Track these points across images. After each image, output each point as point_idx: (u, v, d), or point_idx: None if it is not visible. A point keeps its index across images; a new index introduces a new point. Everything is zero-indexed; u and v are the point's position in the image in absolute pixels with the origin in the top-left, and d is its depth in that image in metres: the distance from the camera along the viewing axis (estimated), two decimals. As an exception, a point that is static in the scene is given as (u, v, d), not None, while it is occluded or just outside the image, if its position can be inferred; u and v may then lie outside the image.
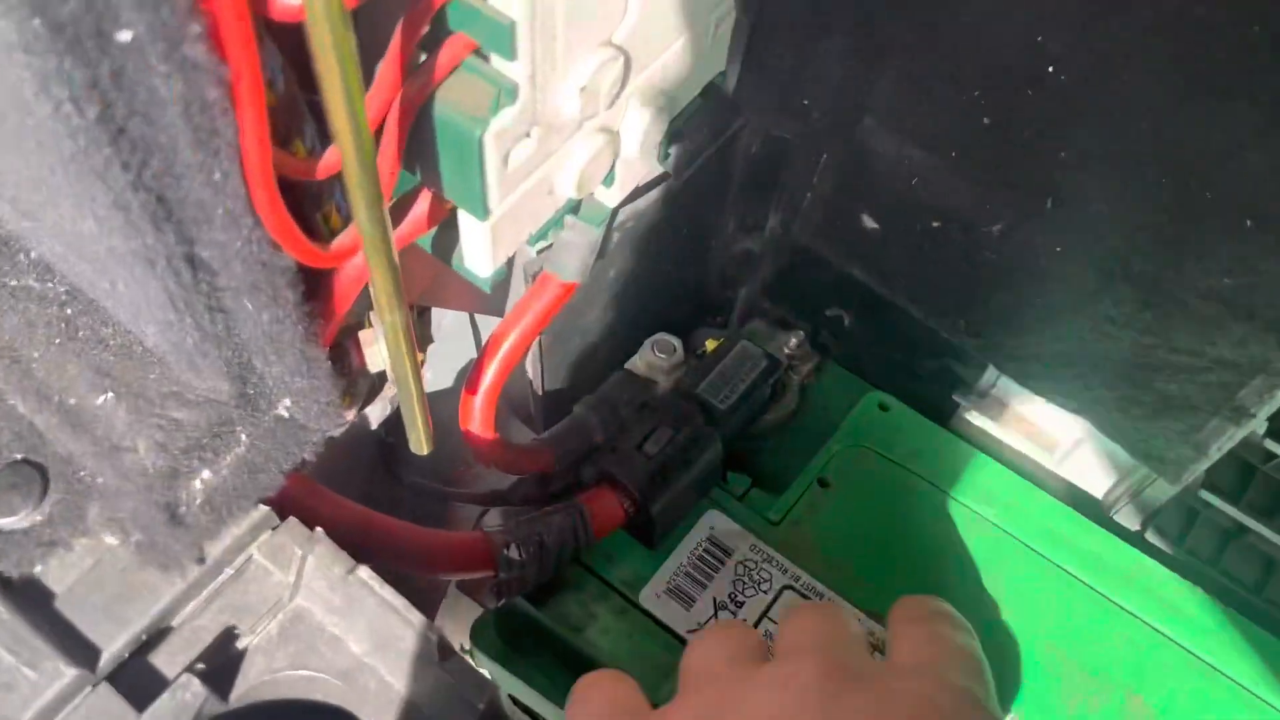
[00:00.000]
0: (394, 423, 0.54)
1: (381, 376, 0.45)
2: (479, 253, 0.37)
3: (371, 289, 0.33)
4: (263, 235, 0.31)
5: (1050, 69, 0.42)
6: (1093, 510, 0.60)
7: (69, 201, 0.31)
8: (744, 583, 0.53)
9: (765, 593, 0.52)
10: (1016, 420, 0.62)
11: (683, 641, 0.50)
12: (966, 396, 0.62)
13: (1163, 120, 0.41)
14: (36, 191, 0.33)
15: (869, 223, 0.52)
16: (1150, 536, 0.60)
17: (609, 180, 0.41)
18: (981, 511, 0.58)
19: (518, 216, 0.37)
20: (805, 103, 0.50)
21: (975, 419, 0.63)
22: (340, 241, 0.34)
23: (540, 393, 0.55)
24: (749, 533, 0.54)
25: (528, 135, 0.34)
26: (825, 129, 0.51)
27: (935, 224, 0.50)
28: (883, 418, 0.61)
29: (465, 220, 0.36)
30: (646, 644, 0.50)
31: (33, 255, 0.40)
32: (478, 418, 0.48)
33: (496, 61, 0.31)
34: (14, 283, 0.40)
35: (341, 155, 0.29)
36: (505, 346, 0.47)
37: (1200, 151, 0.41)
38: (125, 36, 0.25)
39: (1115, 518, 0.60)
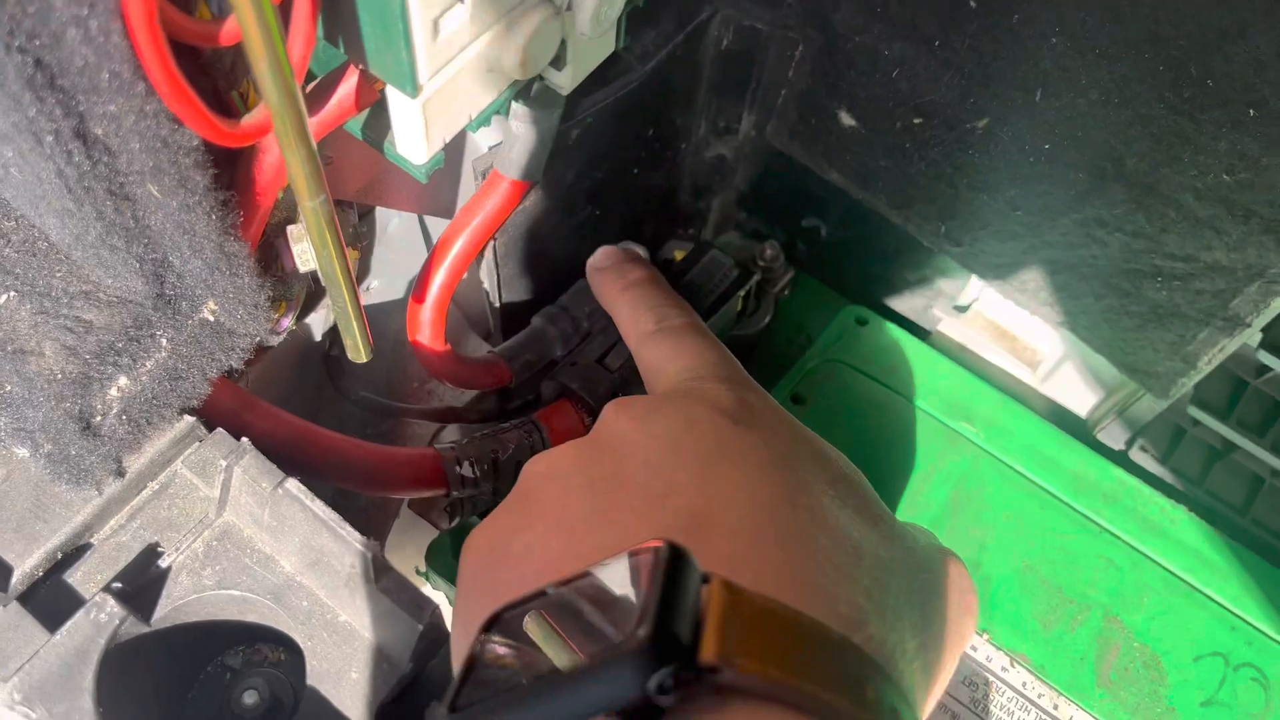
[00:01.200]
0: (338, 333, 0.51)
1: (318, 280, 0.42)
2: (412, 136, 0.34)
3: (288, 171, 0.30)
4: (159, 108, 0.28)
5: (1043, -57, 0.39)
6: (1076, 428, 0.58)
7: (-61, 68, 0.28)
8: (711, 502, 0.51)
9: (733, 512, 0.50)
10: (999, 335, 0.59)
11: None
12: (947, 310, 0.59)
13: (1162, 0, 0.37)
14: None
15: (847, 120, 0.49)
16: (1135, 455, 0.58)
17: (560, 62, 0.37)
18: (961, 429, 0.55)
19: (454, 96, 0.33)
20: (778, -13, 0.46)
21: (956, 333, 0.60)
22: (251, 118, 0.30)
23: (497, 304, 0.52)
24: (717, 450, 0.52)
25: (460, 1, 0.30)
26: (800, 17, 0.47)
27: (917, 120, 0.47)
28: (860, 332, 0.59)
29: (395, 99, 0.33)
30: (607, 565, 0.48)
31: (-75, 142, 0.37)
32: (427, 328, 0.45)
33: (420, -91, 0.28)
34: (-95, 172, 0.36)
35: (237, 14, 0.25)
36: (454, 250, 0.44)
37: (1201, 33, 0.37)
38: None
39: (1099, 436, 0.58)
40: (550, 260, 0.52)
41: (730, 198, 0.63)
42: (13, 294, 0.35)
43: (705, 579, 0.23)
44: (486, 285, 0.51)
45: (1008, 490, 0.54)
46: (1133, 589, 0.51)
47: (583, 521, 0.30)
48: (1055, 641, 0.49)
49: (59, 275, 0.35)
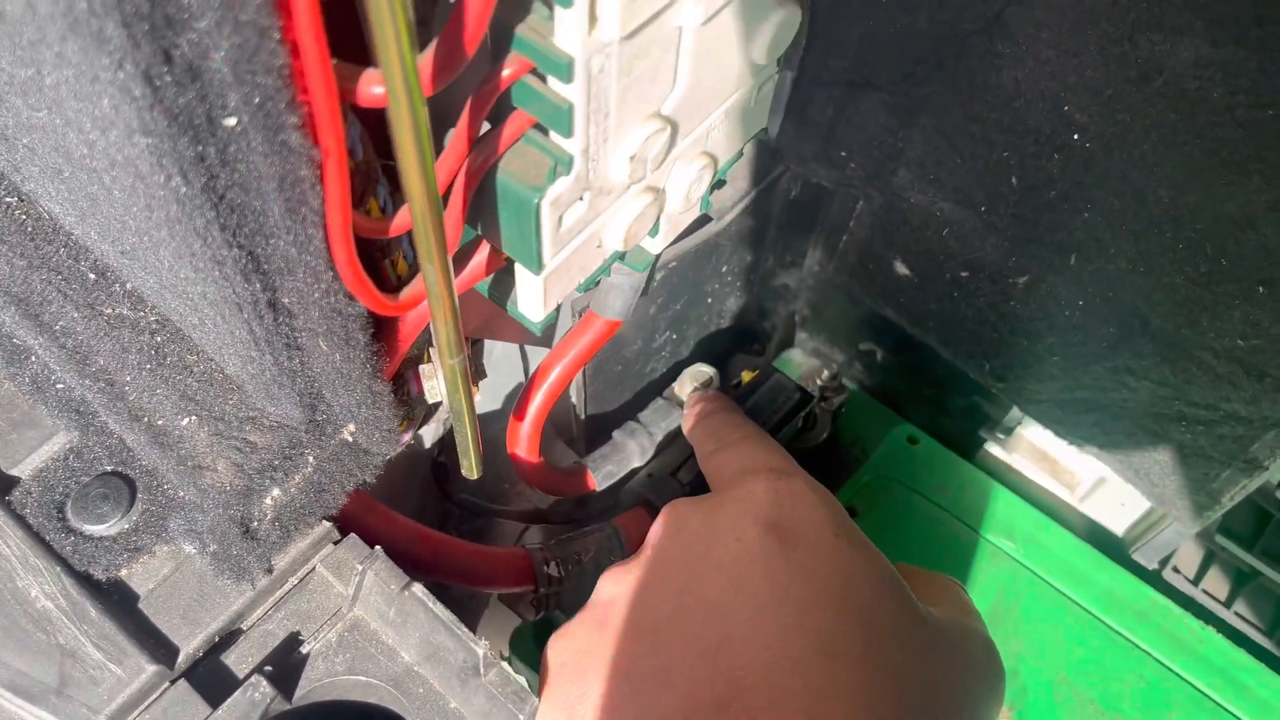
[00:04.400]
0: (446, 443, 0.58)
1: (437, 403, 0.49)
2: (532, 301, 0.40)
3: (434, 337, 0.36)
4: (339, 287, 0.35)
5: (1075, 136, 0.44)
6: (1113, 548, 0.62)
7: (169, 252, 0.35)
8: (770, 605, 0.56)
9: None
10: (1040, 457, 0.64)
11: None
12: (993, 433, 0.64)
13: (1180, 189, 0.43)
14: (139, 239, 0.36)
15: (901, 269, 0.55)
16: (1167, 575, 0.62)
17: (654, 231, 0.44)
18: (1002, 545, 0.60)
19: (568, 268, 0.40)
20: (843, 154, 0.52)
21: (1000, 455, 0.65)
22: (407, 293, 0.37)
23: (582, 417, 0.58)
24: (776, 558, 0.57)
25: (580, 199, 0.37)
26: (862, 179, 0.53)
27: (964, 274, 0.52)
28: (911, 450, 0.64)
29: (520, 271, 0.40)
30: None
31: (128, 286, 0.44)
32: (524, 443, 0.52)
33: (554, 136, 0.34)
34: (110, 311, 0.44)
35: (413, 221, 0.32)
36: (551, 378, 0.50)
37: (1215, 220, 0.43)
38: (231, 123, 0.28)
39: (1134, 556, 0.62)
40: (632, 380, 0.59)
41: (793, 320, 0.69)
42: (194, 418, 0.42)
43: None
44: (574, 400, 0.58)
45: (1045, 605, 0.58)
46: (1162, 705, 0.55)
47: (650, 680, 0.36)
48: (1086, 751, 0.53)
49: (232, 403, 0.42)
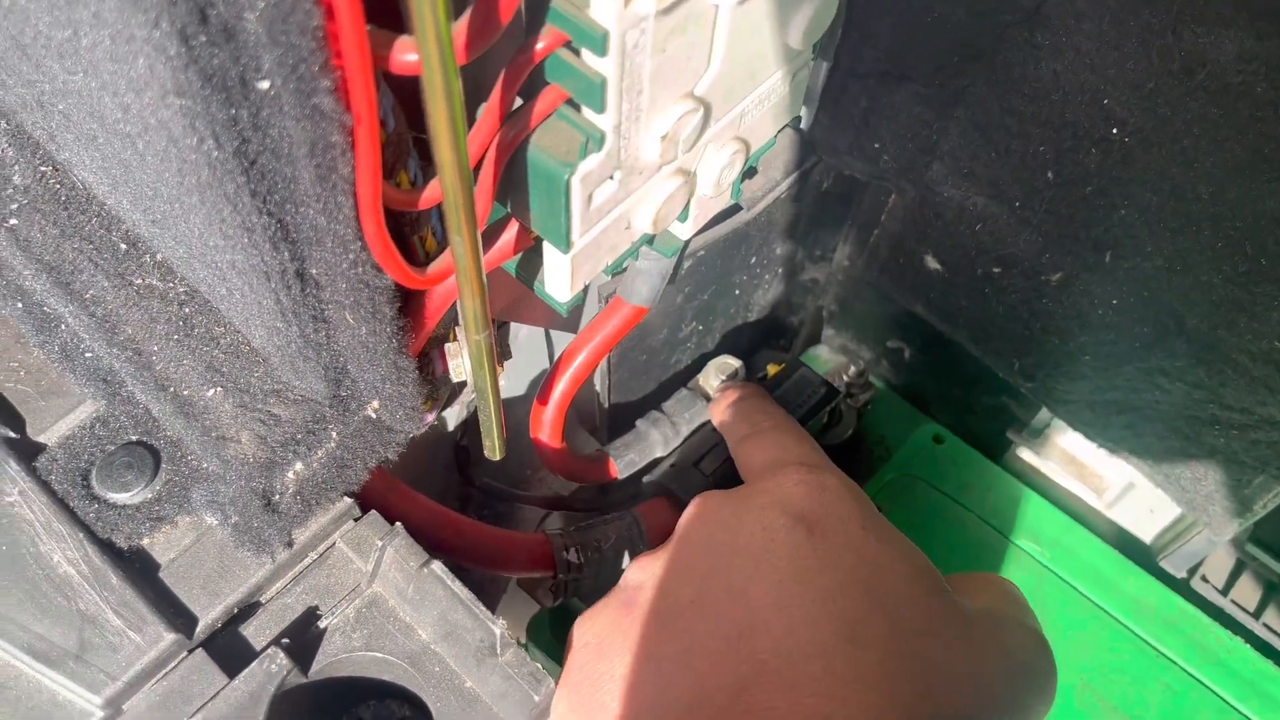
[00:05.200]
0: (469, 426, 0.58)
1: (462, 383, 0.49)
2: (559, 280, 0.40)
3: (460, 311, 0.36)
4: (367, 258, 0.35)
5: (1114, 130, 0.44)
6: (1141, 554, 0.61)
7: (199, 219, 0.35)
8: (790, 600, 0.55)
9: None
10: (1068, 461, 0.63)
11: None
12: (1020, 434, 0.63)
13: (1220, 186, 0.42)
14: (170, 206, 0.37)
15: (932, 264, 0.54)
16: (1195, 584, 0.60)
17: (683, 215, 0.43)
18: (1028, 548, 0.59)
19: (597, 249, 0.39)
20: (876, 146, 0.52)
21: (1028, 457, 0.64)
22: (435, 267, 0.37)
23: (606, 405, 0.58)
24: (798, 553, 0.57)
25: (611, 178, 0.37)
26: (895, 171, 0.53)
27: (996, 270, 0.52)
28: (937, 450, 0.63)
29: (548, 250, 0.39)
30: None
31: (158, 257, 0.44)
32: (547, 428, 0.52)
33: (586, 111, 0.34)
34: (139, 281, 0.44)
35: (443, 192, 0.32)
36: (576, 363, 0.50)
37: (1256, 218, 0.42)
38: (264, 85, 0.28)
39: (1162, 564, 0.61)
40: (656, 369, 0.58)
41: (821, 315, 0.68)
42: (220, 389, 0.42)
43: None
44: (598, 388, 0.58)
45: (1070, 609, 0.57)
46: (1187, 715, 0.54)
47: (672, 661, 0.36)
48: (1108, 759, 0.52)
49: (257, 376, 0.42)
